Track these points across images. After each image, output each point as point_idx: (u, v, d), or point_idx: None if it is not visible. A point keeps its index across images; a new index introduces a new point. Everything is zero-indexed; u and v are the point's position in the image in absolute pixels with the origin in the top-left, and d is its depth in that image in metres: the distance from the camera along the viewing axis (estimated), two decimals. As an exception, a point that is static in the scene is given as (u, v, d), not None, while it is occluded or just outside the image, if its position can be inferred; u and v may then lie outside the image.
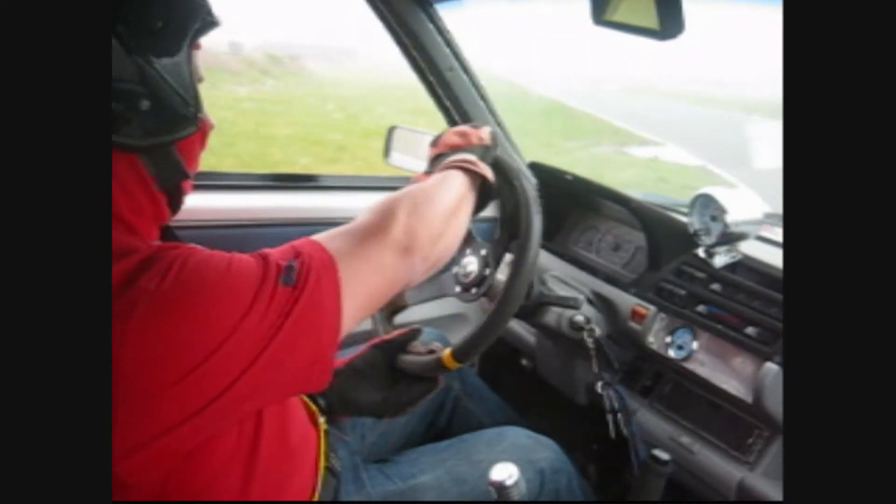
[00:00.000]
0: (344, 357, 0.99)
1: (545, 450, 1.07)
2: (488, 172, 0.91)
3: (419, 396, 0.94)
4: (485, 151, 0.94)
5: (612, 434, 1.14)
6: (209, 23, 0.68)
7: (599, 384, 1.19)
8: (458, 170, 0.88)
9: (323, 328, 0.65)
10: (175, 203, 0.73)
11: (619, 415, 1.15)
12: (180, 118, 0.66)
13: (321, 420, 0.89)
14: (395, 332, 0.99)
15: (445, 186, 0.84)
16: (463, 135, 0.97)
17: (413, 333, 0.98)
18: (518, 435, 1.09)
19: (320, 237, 0.71)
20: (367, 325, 1.12)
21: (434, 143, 0.99)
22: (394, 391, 0.95)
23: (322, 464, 0.85)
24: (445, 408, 1.24)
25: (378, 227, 0.72)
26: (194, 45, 0.68)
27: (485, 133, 0.97)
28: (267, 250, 0.67)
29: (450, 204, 0.82)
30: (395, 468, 0.99)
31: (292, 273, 0.63)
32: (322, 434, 0.88)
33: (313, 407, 0.89)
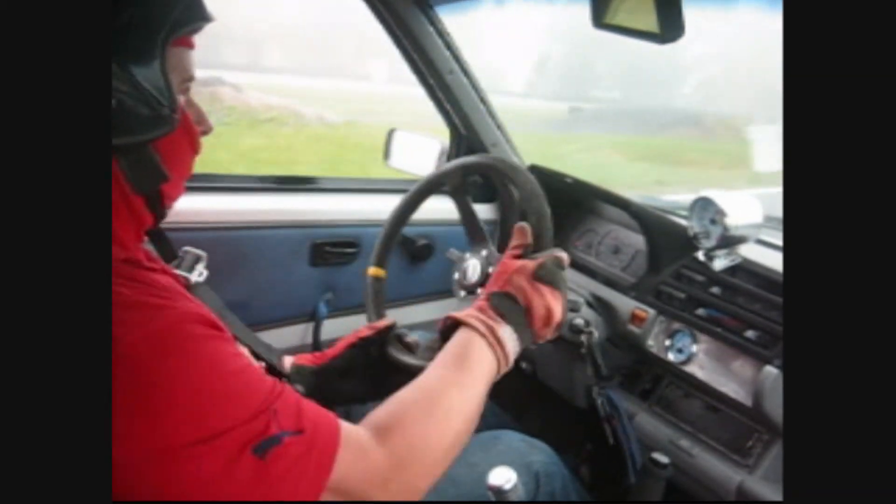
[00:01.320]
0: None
1: (539, 453, 1.06)
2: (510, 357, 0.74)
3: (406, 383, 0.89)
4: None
5: (610, 440, 1.14)
6: (190, 18, 0.66)
7: (595, 389, 1.19)
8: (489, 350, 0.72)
9: None
10: (156, 206, 0.71)
11: (613, 421, 1.14)
12: (152, 118, 0.63)
13: None
14: (369, 327, 0.97)
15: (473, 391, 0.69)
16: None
17: (389, 328, 0.97)
18: (512, 438, 1.08)
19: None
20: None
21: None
22: (379, 381, 0.93)
23: None
24: None
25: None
26: (180, 43, 0.67)
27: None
28: (276, 400, 0.59)
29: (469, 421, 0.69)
30: None
31: (269, 446, 0.56)
32: None
33: None
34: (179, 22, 0.64)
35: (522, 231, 0.82)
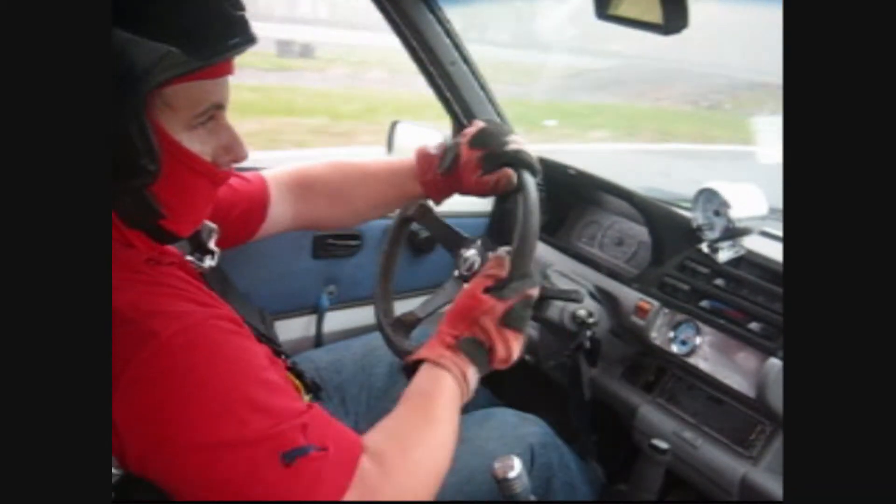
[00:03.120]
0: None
1: (533, 425, 1.08)
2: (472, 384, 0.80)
3: None
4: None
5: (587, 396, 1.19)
6: (174, 66, 0.61)
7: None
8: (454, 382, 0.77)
9: None
10: (162, 238, 0.73)
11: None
12: (125, 168, 0.62)
13: (306, 397, 0.89)
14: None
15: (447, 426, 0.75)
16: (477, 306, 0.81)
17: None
18: (505, 413, 1.10)
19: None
20: (368, 319, 1.12)
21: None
22: None
23: None
24: None
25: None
26: (192, 77, 0.64)
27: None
28: (306, 414, 0.64)
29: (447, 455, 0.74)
30: None
31: (297, 455, 0.60)
32: None
33: (297, 382, 0.89)
34: (155, 72, 0.60)
35: (499, 262, 0.84)
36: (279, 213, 1.01)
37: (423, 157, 0.97)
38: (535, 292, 0.82)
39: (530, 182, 0.86)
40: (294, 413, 0.63)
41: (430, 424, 0.73)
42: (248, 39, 0.68)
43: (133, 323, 0.61)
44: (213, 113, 0.70)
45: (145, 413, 0.60)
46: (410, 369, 0.80)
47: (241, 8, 0.68)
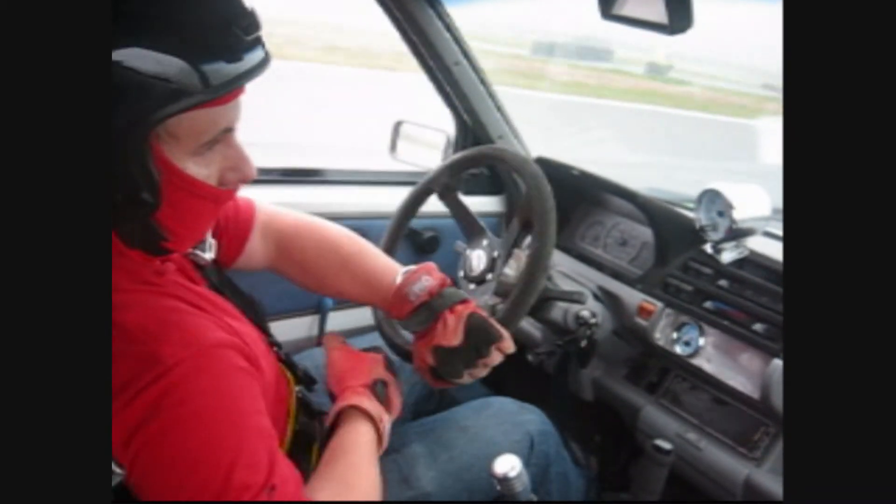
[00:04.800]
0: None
1: (531, 413, 1.09)
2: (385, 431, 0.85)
3: None
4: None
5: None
6: (181, 99, 0.58)
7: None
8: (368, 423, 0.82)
9: None
10: (161, 253, 0.70)
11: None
12: (127, 201, 0.60)
13: (296, 388, 0.89)
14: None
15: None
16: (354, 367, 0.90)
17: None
18: (503, 402, 1.11)
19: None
20: (371, 319, 1.12)
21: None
22: None
23: (291, 426, 0.85)
24: (433, 397, 1.24)
25: None
26: (203, 105, 0.60)
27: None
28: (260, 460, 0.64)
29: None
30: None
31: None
32: (293, 399, 0.88)
33: (288, 374, 0.89)
34: (164, 107, 0.57)
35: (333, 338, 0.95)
36: (256, 253, 0.98)
37: (399, 296, 0.91)
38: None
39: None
40: (268, 471, 0.64)
41: (358, 478, 0.78)
42: (262, 63, 0.63)
43: (140, 344, 0.61)
44: (221, 137, 0.66)
45: (133, 435, 0.60)
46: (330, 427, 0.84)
47: (255, 31, 0.63)
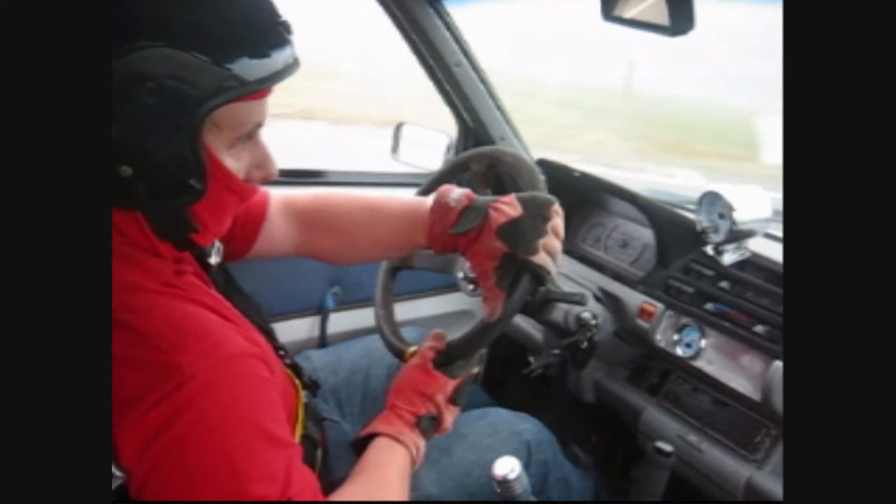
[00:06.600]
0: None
1: (527, 422, 1.10)
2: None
3: None
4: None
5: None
6: (228, 91, 0.63)
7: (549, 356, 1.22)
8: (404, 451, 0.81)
9: None
10: (187, 246, 0.74)
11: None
12: (173, 188, 0.65)
13: (302, 393, 0.89)
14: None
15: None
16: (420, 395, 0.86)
17: None
18: (500, 412, 1.13)
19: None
20: (370, 321, 1.12)
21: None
22: None
23: (299, 431, 0.85)
24: None
25: None
26: (240, 99, 0.65)
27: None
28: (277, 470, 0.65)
29: None
30: None
31: None
32: (301, 405, 0.87)
33: (296, 381, 0.89)
34: (215, 95, 0.62)
35: (438, 337, 0.89)
36: (281, 237, 0.99)
37: (439, 208, 0.87)
38: (476, 371, 0.89)
39: (524, 290, 0.83)
40: (285, 483, 0.64)
41: (385, 497, 0.76)
42: (295, 62, 0.69)
43: (159, 353, 0.61)
44: (253, 132, 0.71)
45: (150, 445, 0.60)
46: (362, 441, 0.83)
47: (291, 32, 0.69)
